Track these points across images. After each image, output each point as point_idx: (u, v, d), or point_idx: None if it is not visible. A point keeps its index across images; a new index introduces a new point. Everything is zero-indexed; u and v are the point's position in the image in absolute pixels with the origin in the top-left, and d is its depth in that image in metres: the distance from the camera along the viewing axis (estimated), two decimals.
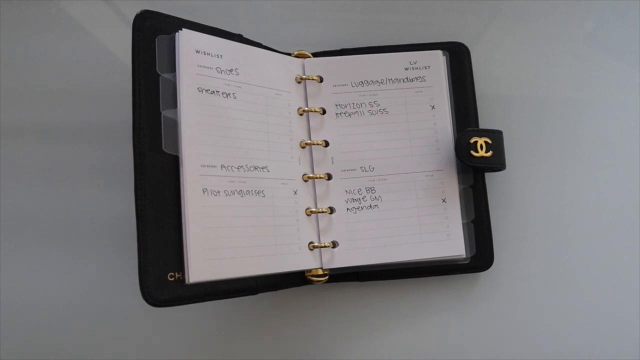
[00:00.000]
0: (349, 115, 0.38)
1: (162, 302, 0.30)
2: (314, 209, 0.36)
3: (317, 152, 0.37)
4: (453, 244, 0.37)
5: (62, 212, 0.39)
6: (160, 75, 0.32)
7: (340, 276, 0.37)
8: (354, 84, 0.38)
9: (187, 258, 0.30)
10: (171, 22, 0.33)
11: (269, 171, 0.35)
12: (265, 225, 0.34)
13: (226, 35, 0.35)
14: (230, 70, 0.34)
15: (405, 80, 0.39)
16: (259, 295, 0.34)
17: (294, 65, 0.38)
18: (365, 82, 0.39)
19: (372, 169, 0.37)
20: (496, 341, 0.38)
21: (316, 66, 0.38)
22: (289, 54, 0.39)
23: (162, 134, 0.31)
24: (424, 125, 0.38)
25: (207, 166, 0.32)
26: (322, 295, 0.38)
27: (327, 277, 0.36)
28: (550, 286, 0.39)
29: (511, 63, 0.43)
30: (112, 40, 0.42)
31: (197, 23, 0.34)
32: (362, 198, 0.37)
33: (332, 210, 0.37)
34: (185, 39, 0.33)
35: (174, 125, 0.32)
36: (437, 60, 0.39)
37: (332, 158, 0.37)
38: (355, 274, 0.37)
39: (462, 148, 0.37)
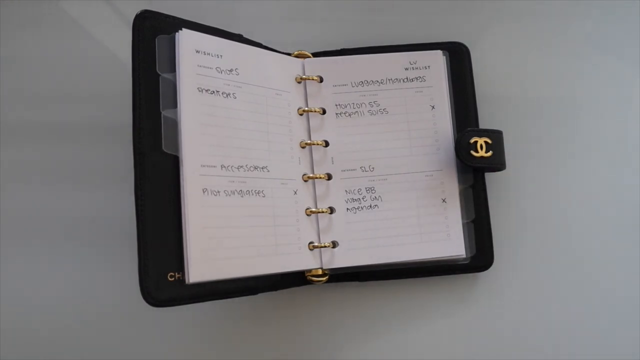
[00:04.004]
0: (349, 115, 0.38)
1: (162, 302, 0.30)
2: (314, 209, 0.36)
3: (317, 152, 0.37)
4: (453, 244, 0.37)
5: (62, 212, 0.39)
6: (160, 75, 0.32)
7: (340, 276, 0.37)
8: (354, 84, 0.38)
9: (187, 258, 0.30)
10: (171, 22, 0.33)
11: (269, 171, 0.35)
12: (265, 225, 0.34)
13: (226, 35, 0.35)
14: (230, 70, 0.34)
15: (405, 80, 0.39)
16: (259, 295, 0.34)
17: (294, 65, 0.38)
18: (365, 82, 0.39)
19: (372, 169, 0.37)
20: (496, 341, 0.38)
21: (316, 66, 0.39)
22: (289, 54, 0.39)
23: (162, 134, 0.31)
24: (424, 125, 0.38)
25: (207, 166, 0.32)
26: (322, 295, 0.38)
27: (327, 277, 0.36)
28: (550, 286, 0.39)
29: (511, 63, 0.43)
30: (112, 40, 0.42)
31: (197, 23, 0.34)
32: (362, 198, 0.37)
33: (332, 210, 0.37)
34: (185, 38, 0.33)
35: (174, 125, 0.32)
36: (437, 60, 0.39)
37: (332, 158, 0.37)
38: (355, 274, 0.37)
39: (462, 148, 0.37)
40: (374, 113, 0.38)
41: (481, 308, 0.39)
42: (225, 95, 0.34)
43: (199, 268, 0.30)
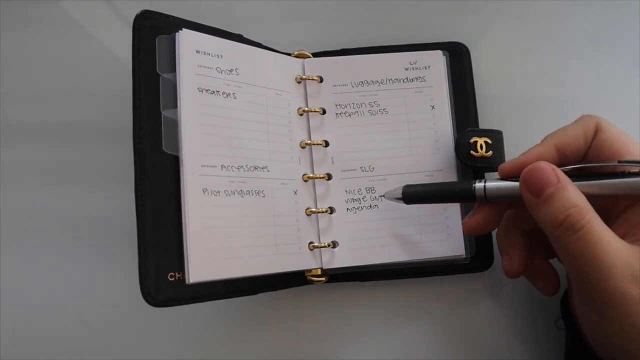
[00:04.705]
0: (349, 115, 0.38)
1: (162, 302, 0.30)
2: (314, 209, 0.36)
3: (317, 152, 0.37)
4: (453, 244, 0.37)
5: (62, 212, 0.39)
6: (160, 75, 0.32)
7: (340, 276, 0.37)
8: (354, 84, 0.39)
9: (187, 258, 0.30)
10: (171, 22, 0.33)
11: (269, 171, 0.35)
12: (265, 225, 0.34)
13: (226, 35, 0.35)
14: (231, 70, 0.34)
15: (405, 80, 0.39)
16: (259, 295, 0.34)
17: (294, 65, 0.38)
18: (365, 82, 0.39)
19: (372, 169, 0.37)
20: (496, 341, 0.38)
21: (316, 66, 0.39)
22: (289, 54, 0.39)
23: (162, 134, 0.31)
24: (424, 125, 0.38)
25: (207, 166, 0.32)
26: (322, 295, 0.38)
27: (327, 277, 0.36)
28: None
29: (511, 63, 0.43)
30: (112, 40, 0.42)
31: (197, 23, 0.34)
32: (362, 198, 0.37)
33: (332, 210, 0.37)
34: (186, 39, 0.33)
35: (174, 125, 0.32)
36: (437, 60, 0.39)
37: (332, 158, 0.37)
38: (355, 274, 0.37)
39: (462, 148, 0.37)
40: (374, 113, 0.38)
41: (481, 308, 0.39)
42: (225, 95, 0.34)
43: (199, 268, 0.30)
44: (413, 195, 0.34)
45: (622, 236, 0.26)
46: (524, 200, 0.28)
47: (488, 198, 0.31)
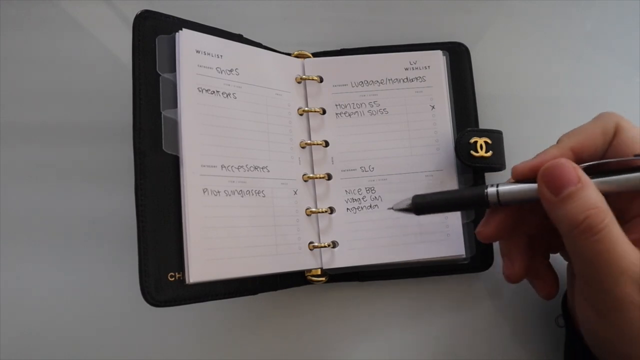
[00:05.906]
0: (349, 115, 0.38)
1: (162, 302, 0.30)
2: (314, 209, 0.36)
3: (317, 152, 0.37)
4: (453, 244, 0.37)
5: (62, 212, 0.39)
6: (160, 75, 0.32)
7: (340, 276, 0.37)
8: (354, 84, 0.39)
9: (187, 258, 0.30)
10: (171, 22, 0.33)
11: (269, 171, 0.35)
12: (265, 225, 0.34)
13: (226, 35, 0.35)
14: (231, 70, 0.34)
15: (405, 80, 0.39)
16: (259, 295, 0.34)
17: (294, 65, 0.38)
18: (365, 82, 0.39)
19: (372, 169, 0.37)
20: (496, 341, 0.38)
21: (316, 66, 0.39)
22: (289, 54, 0.39)
23: (163, 134, 0.31)
24: (424, 125, 0.38)
25: (208, 166, 0.32)
26: (322, 295, 0.38)
27: (326, 277, 0.36)
28: None
29: (511, 63, 0.43)
30: (112, 40, 0.42)
31: (197, 23, 0.34)
32: (362, 198, 0.37)
33: (332, 210, 0.37)
34: (186, 39, 0.33)
35: (174, 125, 0.32)
36: (437, 60, 0.39)
37: (332, 158, 0.38)
38: (355, 274, 0.37)
39: (462, 148, 0.37)
40: (374, 113, 0.38)
41: (481, 308, 0.39)
42: (225, 95, 0.34)
43: (199, 268, 0.30)
44: (424, 205, 0.31)
45: (635, 242, 0.26)
46: (541, 198, 0.27)
47: (502, 202, 0.29)
